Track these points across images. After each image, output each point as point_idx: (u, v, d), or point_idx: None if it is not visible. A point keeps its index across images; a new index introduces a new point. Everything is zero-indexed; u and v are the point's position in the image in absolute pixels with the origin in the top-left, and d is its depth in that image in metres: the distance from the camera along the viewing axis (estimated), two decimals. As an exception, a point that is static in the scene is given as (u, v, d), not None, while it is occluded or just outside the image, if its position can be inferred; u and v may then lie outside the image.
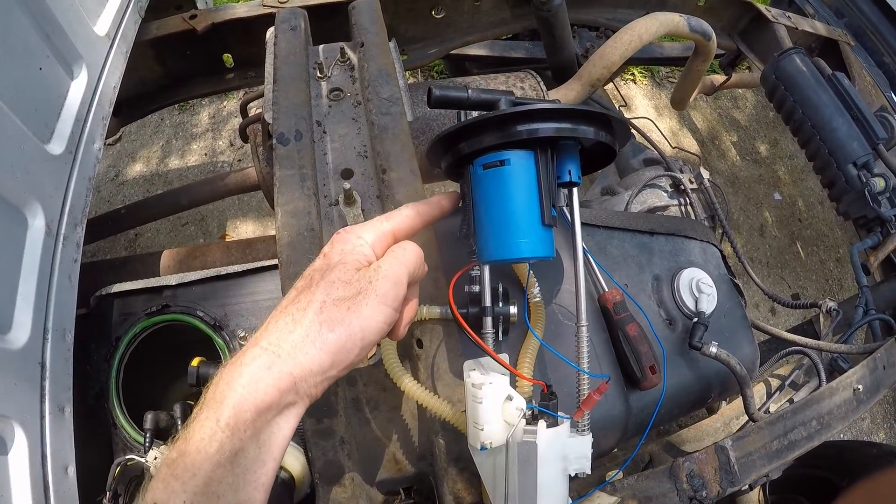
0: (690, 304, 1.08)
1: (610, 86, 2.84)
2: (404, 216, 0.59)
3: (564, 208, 0.71)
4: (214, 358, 0.95)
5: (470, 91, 0.61)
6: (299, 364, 0.46)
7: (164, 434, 0.92)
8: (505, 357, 0.64)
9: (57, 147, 0.96)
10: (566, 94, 1.48)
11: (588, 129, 0.57)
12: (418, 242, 0.58)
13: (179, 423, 0.90)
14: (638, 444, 0.93)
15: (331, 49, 1.15)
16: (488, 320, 0.71)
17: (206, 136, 2.51)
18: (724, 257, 1.25)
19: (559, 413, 0.63)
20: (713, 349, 1.01)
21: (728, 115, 2.95)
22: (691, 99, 1.96)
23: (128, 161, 2.36)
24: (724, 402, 1.39)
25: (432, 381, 0.76)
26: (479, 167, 0.59)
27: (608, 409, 0.88)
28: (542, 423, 0.62)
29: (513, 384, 0.67)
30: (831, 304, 1.39)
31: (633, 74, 2.93)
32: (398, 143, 0.95)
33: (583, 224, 1.05)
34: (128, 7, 1.25)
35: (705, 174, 1.64)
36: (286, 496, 0.79)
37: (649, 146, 1.81)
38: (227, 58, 1.44)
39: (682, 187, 1.63)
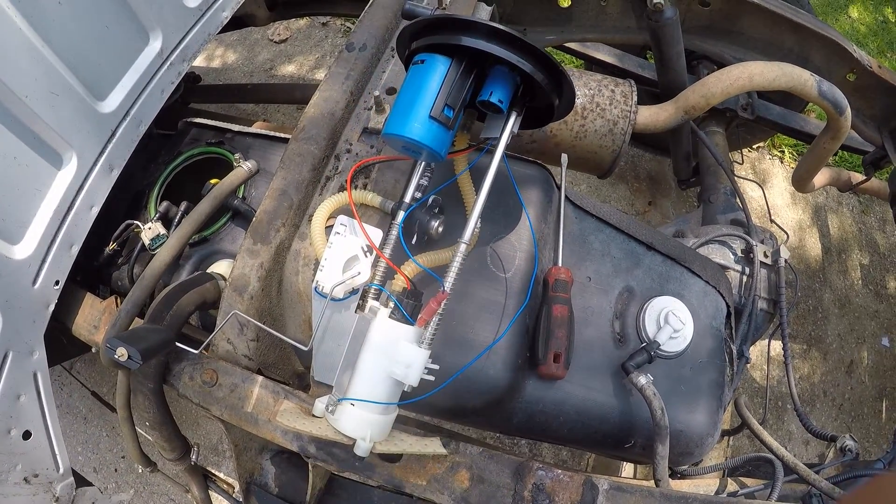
0: (650, 330, 1.01)
1: (754, 154, 2.60)
2: None
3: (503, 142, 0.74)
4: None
5: (437, 9, 0.69)
6: None
7: (169, 222, 1.16)
8: (375, 234, 0.72)
9: (192, 2, 1.23)
10: (656, 114, 1.43)
11: (498, 49, 0.60)
12: None
13: (179, 216, 1.15)
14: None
15: (434, -7, 1.30)
16: (400, 213, 0.78)
17: (356, 62, 2.82)
18: (729, 315, 1.13)
19: (409, 316, 0.68)
20: (641, 379, 0.93)
21: (869, 235, 2.53)
22: (816, 184, 1.74)
23: (284, 60, 2.74)
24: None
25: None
26: (412, 63, 0.68)
27: (486, 368, 0.85)
28: (383, 311, 0.68)
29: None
30: (851, 443, 1.19)
31: (783, 151, 2.63)
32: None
33: (574, 205, 1.05)
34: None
35: (784, 254, 1.48)
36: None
37: (741, 206, 1.66)
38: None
39: (752, 256, 1.48)
